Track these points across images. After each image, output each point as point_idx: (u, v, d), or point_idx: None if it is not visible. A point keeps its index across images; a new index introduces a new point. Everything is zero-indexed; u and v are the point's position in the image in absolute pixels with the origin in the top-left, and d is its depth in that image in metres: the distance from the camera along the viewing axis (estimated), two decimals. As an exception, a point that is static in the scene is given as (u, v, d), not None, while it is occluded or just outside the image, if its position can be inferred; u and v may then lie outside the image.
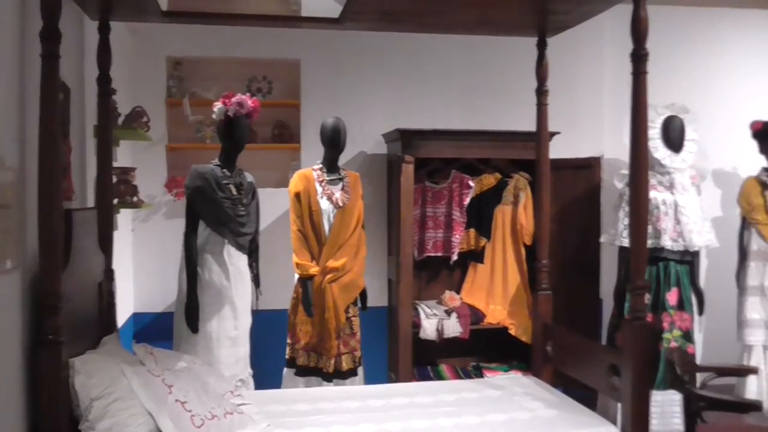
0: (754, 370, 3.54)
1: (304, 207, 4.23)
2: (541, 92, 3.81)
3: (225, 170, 3.96)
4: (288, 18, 4.62)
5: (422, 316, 4.84)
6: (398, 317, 4.66)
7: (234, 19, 4.31)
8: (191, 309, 3.82)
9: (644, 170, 2.87)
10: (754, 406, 2.76)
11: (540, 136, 3.80)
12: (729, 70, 5.82)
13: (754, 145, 5.10)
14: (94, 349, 2.92)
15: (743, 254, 5.11)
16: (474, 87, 5.29)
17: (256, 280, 4.24)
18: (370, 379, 4.42)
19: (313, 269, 4.19)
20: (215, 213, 3.87)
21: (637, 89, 2.85)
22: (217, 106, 3.95)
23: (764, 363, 4.99)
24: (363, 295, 4.43)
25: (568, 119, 5.15)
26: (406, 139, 4.58)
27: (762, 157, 5.07)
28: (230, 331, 3.92)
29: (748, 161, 5.26)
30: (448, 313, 4.87)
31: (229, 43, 4.99)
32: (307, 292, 4.18)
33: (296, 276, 4.30)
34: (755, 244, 5.03)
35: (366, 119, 5.09)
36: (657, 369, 4.21)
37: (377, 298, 4.99)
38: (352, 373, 4.33)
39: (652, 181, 4.28)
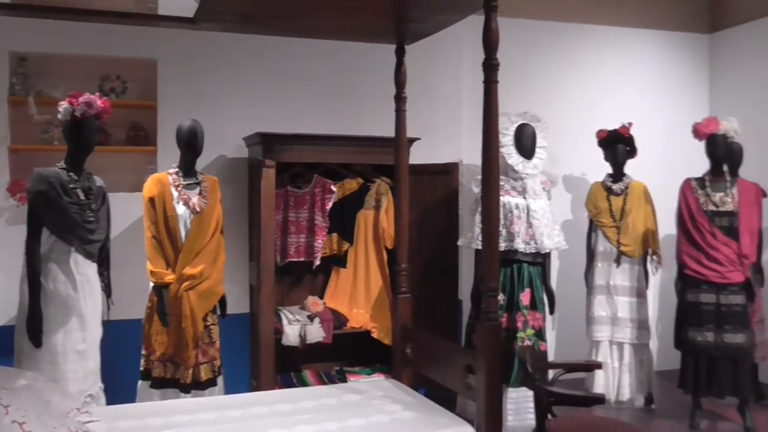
0: (599, 365, 3.75)
1: (159, 212, 4.07)
2: (400, 98, 3.86)
3: (72, 174, 3.75)
4: (142, 16, 4.45)
5: (285, 322, 4.78)
6: (260, 324, 4.58)
7: (85, 14, 4.09)
8: (33, 322, 3.59)
9: (496, 176, 2.96)
10: (599, 399, 2.91)
11: (398, 142, 3.86)
12: (578, 81, 6.17)
13: (600, 152, 5.42)
14: None
15: (591, 255, 5.41)
16: (337, 92, 5.29)
17: (107, 289, 4.04)
18: (231, 389, 4.31)
19: (169, 277, 4.04)
20: (61, 219, 3.65)
21: (488, 98, 2.93)
22: (63, 105, 3.73)
23: (610, 357, 5.30)
24: (222, 302, 4.33)
25: (428, 125, 5.27)
26: (267, 143, 4.52)
27: (607, 164, 5.40)
28: (78, 344, 3.71)
29: (595, 167, 5.58)
30: (311, 318, 4.84)
31: (80, 39, 4.73)
32: (163, 300, 4.03)
33: (151, 284, 4.13)
34: (601, 245, 5.33)
35: (226, 122, 4.98)
36: (511, 367, 4.39)
37: (238, 305, 4.90)
38: (212, 383, 4.21)
39: (506, 186, 4.46)
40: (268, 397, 3.64)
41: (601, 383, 5.28)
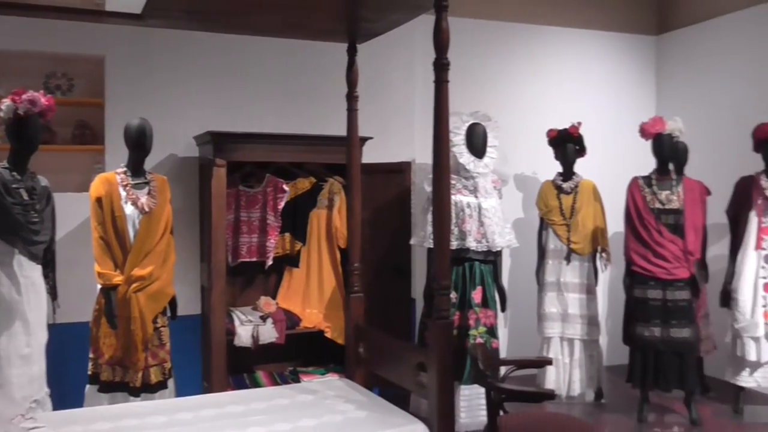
0: (549, 361, 3.81)
1: (107, 212, 3.99)
2: (352, 97, 3.86)
3: (15, 173, 3.65)
4: (88, 11, 4.35)
5: (237, 322, 4.74)
6: (211, 325, 4.53)
7: (30, 10, 3.98)
8: (-25, 327, 3.48)
9: (447, 175, 2.98)
10: (549, 395, 2.95)
11: (350, 141, 3.85)
12: (529, 81, 6.24)
13: (550, 151, 5.50)
14: None
15: (542, 253, 5.48)
16: (289, 90, 5.25)
17: (52, 292, 3.94)
18: (182, 391, 4.25)
19: (117, 278, 3.97)
20: (3, 220, 3.55)
21: (439, 97, 2.95)
22: (6, 103, 3.63)
23: (561, 353, 5.38)
24: (172, 303, 4.27)
25: (380, 124, 5.26)
26: (218, 141, 4.46)
27: (557, 163, 5.48)
28: (22, 348, 3.61)
29: (546, 166, 5.66)
30: (264, 318, 4.80)
31: (24, 35, 4.60)
32: (111, 302, 3.95)
33: (98, 286, 4.05)
34: (552, 243, 5.41)
35: (176, 121, 4.89)
36: (464, 365, 4.42)
37: (189, 306, 4.82)
38: (162, 385, 4.15)
39: (458, 185, 4.49)
40: (220, 399, 3.60)
41: (552, 379, 5.36)
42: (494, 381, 3.11)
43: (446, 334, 2.95)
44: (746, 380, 4.99)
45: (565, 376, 5.38)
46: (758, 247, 4.94)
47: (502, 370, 3.67)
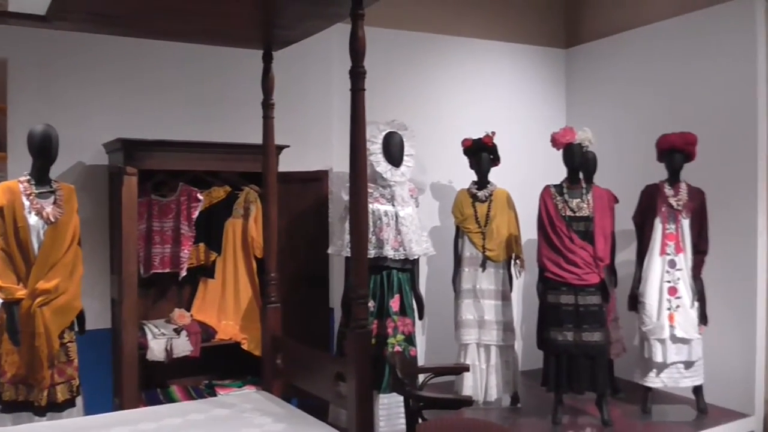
0: (466, 368, 3.85)
1: (9, 223, 3.80)
2: (267, 105, 3.81)
3: None
4: (-13, 12, 4.14)
5: (149, 336, 4.59)
6: (122, 339, 4.36)
7: None
8: None
9: (364, 183, 2.97)
10: (467, 402, 2.97)
11: (266, 149, 3.79)
12: (444, 91, 6.32)
13: (465, 160, 5.58)
14: None
15: (458, 260, 5.55)
16: (203, 97, 5.14)
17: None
18: (91, 409, 4.07)
19: (20, 292, 3.78)
20: None
21: (355, 105, 2.94)
22: None
23: (478, 359, 5.45)
24: (80, 317, 4.10)
25: (297, 133, 5.21)
26: (128, 149, 4.32)
27: (472, 172, 5.56)
28: None
29: (461, 175, 5.73)
30: (178, 331, 4.67)
31: None
32: (13, 318, 3.77)
33: (0, 300, 3.84)
34: (468, 250, 5.48)
35: (84, 127, 4.71)
36: (382, 374, 4.42)
37: (98, 320, 4.65)
38: (70, 404, 3.98)
39: (375, 193, 4.50)
40: (131, 416, 3.46)
41: (469, 385, 5.42)
42: (413, 389, 3.12)
43: (364, 344, 2.94)
44: (653, 381, 5.18)
45: (482, 381, 5.46)
46: (663, 252, 5.14)
47: (421, 377, 3.68)
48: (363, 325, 2.95)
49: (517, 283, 5.86)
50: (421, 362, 5.93)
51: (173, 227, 4.84)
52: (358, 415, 2.93)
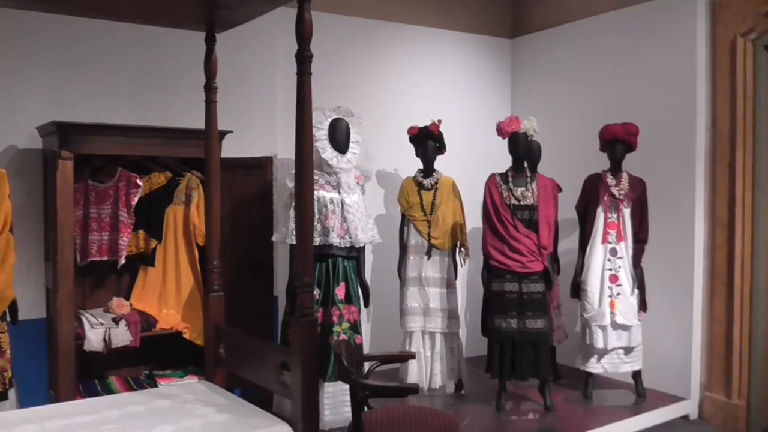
0: (411, 355, 3.83)
1: (-65, 209, 3.63)
2: (210, 89, 3.70)
3: None
4: None
5: (87, 326, 4.44)
6: (57, 329, 4.21)
7: None
8: None
9: (310, 170, 2.92)
10: (413, 390, 2.95)
11: (209, 134, 3.70)
12: (390, 78, 6.28)
13: (411, 148, 5.55)
14: None
15: (403, 248, 5.53)
16: (144, 80, 4.98)
17: None
18: (26, 402, 3.92)
19: (-52, 281, 3.61)
20: None
21: (301, 89, 2.88)
22: None
23: (423, 347, 5.46)
24: (13, 307, 3.94)
25: (241, 118, 5.13)
26: (64, 133, 4.15)
27: (418, 160, 5.54)
28: None
29: (407, 163, 5.71)
30: (116, 321, 4.53)
31: None
32: (-61, 308, 3.60)
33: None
34: (413, 238, 5.48)
35: (16, 109, 4.51)
36: (328, 362, 4.38)
37: (32, 310, 4.48)
38: (2, 396, 3.83)
39: (320, 180, 4.44)
40: (68, 409, 3.34)
41: (414, 372, 5.43)
42: (358, 378, 3.09)
43: (310, 332, 2.89)
44: (594, 366, 5.27)
45: (427, 369, 5.47)
46: (605, 241, 5.23)
47: (366, 366, 3.66)
48: (309, 314, 2.90)
49: (462, 271, 5.88)
50: (366, 350, 5.93)
51: (111, 214, 4.68)
52: (303, 405, 2.89)
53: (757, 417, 5.04)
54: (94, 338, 4.43)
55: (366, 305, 4.72)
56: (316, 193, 4.36)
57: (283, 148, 5.35)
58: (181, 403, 3.28)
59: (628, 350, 5.24)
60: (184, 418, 3.05)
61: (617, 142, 5.18)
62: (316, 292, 4.39)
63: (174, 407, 3.23)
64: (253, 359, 3.37)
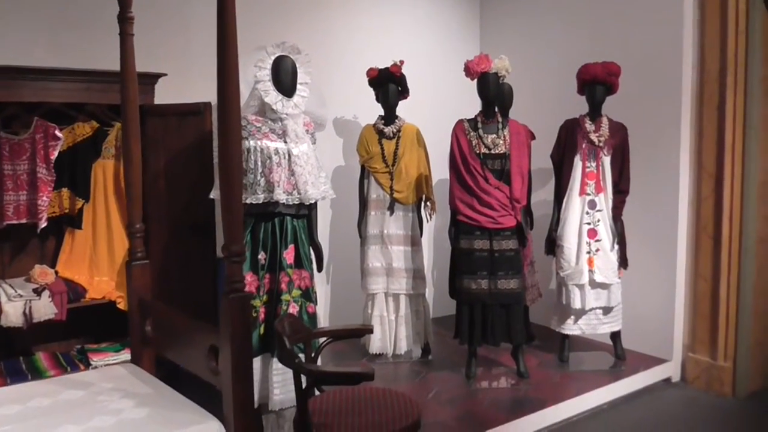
0: (369, 330, 3.33)
1: None
2: (125, 19, 3.10)
3: None
4: None
5: (3, 298, 3.90)
6: (-33, 303, 3.68)
7: None
8: None
9: (236, 114, 2.40)
10: (366, 376, 2.49)
11: (125, 73, 3.12)
12: (347, 14, 5.69)
13: (371, 92, 5.03)
14: None
15: (363, 203, 5.07)
16: (65, 15, 4.35)
17: None
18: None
19: None
20: None
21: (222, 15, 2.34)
22: None
23: (386, 310, 5.05)
24: None
25: (178, 59, 4.55)
26: (-33, 77, 3.57)
27: (379, 105, 5.02)
28: None
29: (367, 109, 5.21)
30: (38, 292, 3.99)
31: None
32: None
33: None
34: (374, 192, 5.01)
35: None
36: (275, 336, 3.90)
37: (-61, 281, 3.95)
38: None
39: (264, 128, 3.88)
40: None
41: (378, 338, 5.07)
42: (302, 362, 2.61)
43: (241, 311, 2.40)
44: (571, 328, 4.90)
45: (391, 333, 5.08)
46: (582, 192, 4.79)
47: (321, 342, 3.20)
48: (239, 289, 2.41)
49: (428, 227, 5.45)
50: (324, 317, 5.51)
51: (28, 170, 4.11)
52: (236, 397, 2.42)
53: (744, 380, 4.71)
54: (11, 312, 3.89)
55: (320, 269, 4.22)
56: (258, 143, 3.82)
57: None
58: (95, 395, 2.77)
59: (607, 310, 4.86)
60: (96, 414, 2.55)
61: (597, 83, 4.70)
62: (261, 255, 3.88)
63: (86, 400, 2.73)
64: (182, 340, 2.88)
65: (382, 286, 5.03)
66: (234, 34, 2.36)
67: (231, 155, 2.34)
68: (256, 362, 3.88)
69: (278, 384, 3.83)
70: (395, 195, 4.91)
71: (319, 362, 3.57)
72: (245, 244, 3.87)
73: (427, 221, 5.17)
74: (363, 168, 5.04)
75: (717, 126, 4.72)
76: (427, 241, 5.62)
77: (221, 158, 2.35)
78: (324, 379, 2.66)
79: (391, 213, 4.95)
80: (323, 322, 5.54)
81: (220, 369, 2.51)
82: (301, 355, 3.04)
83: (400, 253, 4.98)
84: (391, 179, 4.91)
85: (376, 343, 5.06)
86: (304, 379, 2.65)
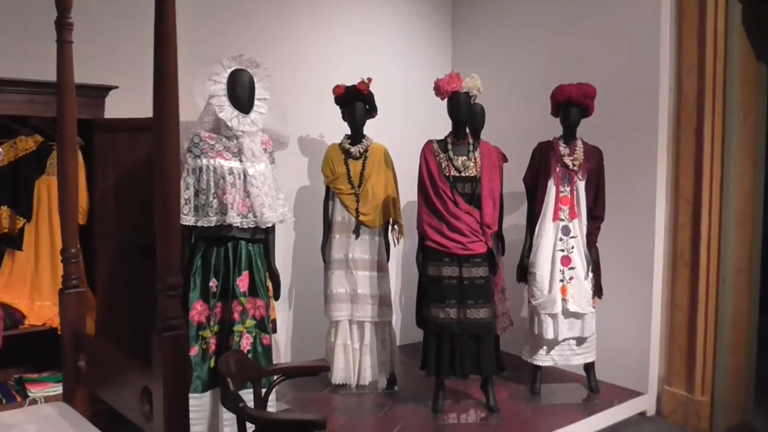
0: (326, 368, 3.05)
1: None
2: (63, 25, 2.84)
3: None
4: None
5: (-70, 325, 3.61)
6: None
7: None
8: None
9: (174, 130, 2.17)
10: (318, 424, 2.23)
11: (62, 84, 2.85)
12: (314, 30, 5.48)
13: (338, 110, 4.83)
14: None
15: (328, 226, 4.83)
16: (12, 24, 4.08)
17: None
18: None
19: None
20: None
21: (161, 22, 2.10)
22: None
23: (350, 338, 4.81)
24: None
25: (131, 72, 4.29)
26: None
27: (345, 124, 4.80)
28: None
29: (333, 127, 5.00)
30: (-29, 317, 3.70)
31: None
32: None
33: None
34: (339, 215, 4.78)
35: None
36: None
37: None
38: None
39: (218, 146, 3.62)
40: None
41: (341, 367, 4.81)
42: (246, 409, 2.35)
43: (176, 351, 2.14)
44: (543, 359, 4.69)
45: (355, 363, 4.83)
46: (556, 218, 4.60)
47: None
48: (175, 326, 2.14)
49: (395, 252, 5.22)
50: (285, 346, 5.26)
51: (-35, 187, 3.83)
52: (168, 447, 2.14)
53: (722, 414, 4.51)
54: (-61, 340, 3.60)
55: (276, 298, 3.96)
56: (211, 161, 3.57)
57: (181, 109, 4.51)
58: (14, 440, 2.49)
59: (580, 341, 4.65)
60: (11, 464, 2.27)
61: (572, 105, 4.53)
62: (213, 282, 3.61)
63: (4, 446, 2.45)
64: (114, 378, 2.60)
65: (347, 312, 4.78)
66: (173, 41, 2.14)
67: (168, 178, 2.09)
68: (206, 397, 3.63)
69: (229, 422, 3.55)
70: (361, 218, 4.68)
71: (272, 397, 3.33)
72: (195, 270, 3.61)
73: (395, 245, 4.94)
74: (328, 189, 4.80)
75: (695, 151, 4.56)
76: (394, 266, 5.38)
77: (157, 180, 2.09)
78: (271, 427, 2.40)
79: (357, 236, 4.71)
80: (284, 350, 5.27)
81: (153, 414, 2.24)
82: (250, 395, 2.78)
83: (366, 279, 4.74)
84: (357, 201, 4.68)
85: (339, 372, 4.80)
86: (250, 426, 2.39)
